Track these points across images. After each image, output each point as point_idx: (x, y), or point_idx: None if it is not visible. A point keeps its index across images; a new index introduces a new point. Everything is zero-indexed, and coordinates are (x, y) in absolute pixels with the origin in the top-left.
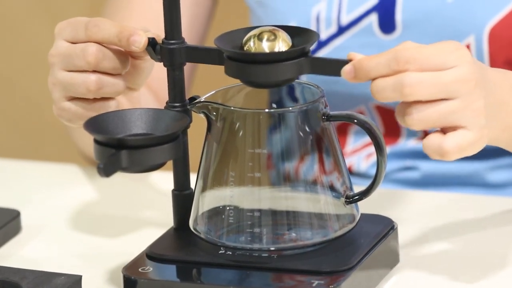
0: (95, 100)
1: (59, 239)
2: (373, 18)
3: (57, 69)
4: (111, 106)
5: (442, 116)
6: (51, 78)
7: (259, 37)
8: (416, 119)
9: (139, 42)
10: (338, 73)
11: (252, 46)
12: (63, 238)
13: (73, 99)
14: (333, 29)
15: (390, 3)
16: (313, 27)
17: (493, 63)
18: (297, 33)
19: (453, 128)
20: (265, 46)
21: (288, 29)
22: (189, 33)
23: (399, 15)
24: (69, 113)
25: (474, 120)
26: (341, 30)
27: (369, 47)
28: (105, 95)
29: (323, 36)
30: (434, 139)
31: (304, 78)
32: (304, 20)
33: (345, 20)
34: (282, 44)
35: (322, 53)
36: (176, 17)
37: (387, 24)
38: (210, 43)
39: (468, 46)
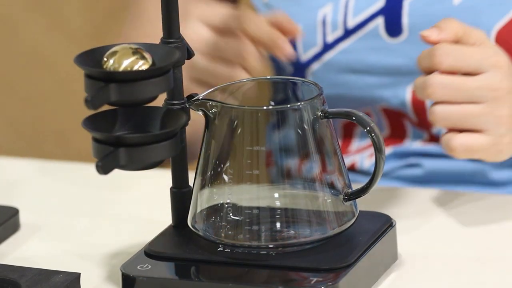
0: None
1: (57, 237)
2: (380, 21)
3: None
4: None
5: (463, 117)
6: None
7: (119, 55)
8: (438, 116)
9: (289, 53)
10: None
11: (111, 64)
12: (61, 236)
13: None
14: (339, 32)
15: (397, 7)
16: (319, 30)
17: None
18: (159, 51)
19: (473, 130)
20: (125, 65)
21: (150, 47)
22: None
23: (405, 19)
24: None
25: (494, 127)
26: (348, 33)
27: (375, 50)
28: None
29: (330, 39)
30: (447, 135)
31: (310, 78)
32: (310, 23)
33: (351, 23)
34: (143, 62)
35: (329, 56)
36: (174, 16)
37: (394, 28)
38: None
39: None
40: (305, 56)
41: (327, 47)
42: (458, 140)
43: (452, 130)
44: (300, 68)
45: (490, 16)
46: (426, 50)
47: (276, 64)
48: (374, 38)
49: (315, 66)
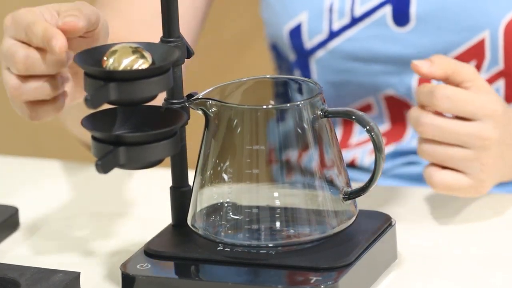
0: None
1: (57, 236)
2: (387, 10)
3: (3, 67)
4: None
5: (449, 158)
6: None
7: (119, 54)
8: (426, 152)
9: (55, 46)
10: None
11: (111, 63)
12: (61, 234)
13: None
14: (346, 20)
15: None
16: (325, 18)
17: (508, 59)
18: (159, 50)
19: (456, 170)
20: (125, 64)
21: (149, 46)
22: (188, 26)
23: (413, 8)
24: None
25: (477, 173)
26: (354, 21)
27: (381, 39)
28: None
29: (336, 26)
30: (430, 169)
31: (314, 71)
32: (317, 11)
33: (359, 11)
34: (142, 61)
35: (334, 44)
36: (174, 15)
37: (401, 17)
38: (212, 30)
39: (483, 41)
40: (310, 43)
41: (333, 34)
42: (440, 176)
43: (436, 164)
44: (304, 55)
45: (499, 8)
46: (426, 86)
47: (276, 52)
48: (380, 27)
49: (320, 53)
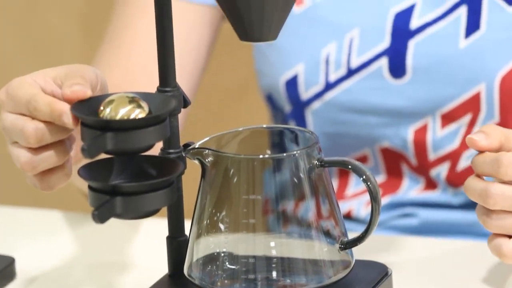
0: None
1: (53, 286)
2: (383, 62)
3: (8, 142)
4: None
5: None
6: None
7: (116, 104)
8: (494, 224)
9: (68, 122)
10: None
11: (108, 112)
12: (57, 285)
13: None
14: (342, 71)
15: (401, 48)
16: (322, 69)
17: (504, 112)
18: (155, 100)
19: None
20: (122, 113)
21: (146, 95)
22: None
23: (409, 60)
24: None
25: None
26: (351, 73)
27: (378, 91)
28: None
29: (332, 78)
30: (499, 240)
31: (310, 122)
32: (313, 62)
33: (355, 63)
34: (139, 111)
35: (331, 95)
36: (170, 64)
37: (397, 69)
38: (209, 80)
39: (478, 94)
40: (306, 95)
41: (329, 86)
42: (510, 246)
43: (501, 234)
44: (300, 106)
45: (495, 62)
46: (488, 155)
47: (271, 102)
48: (377, 79)
49: (316, 104)
